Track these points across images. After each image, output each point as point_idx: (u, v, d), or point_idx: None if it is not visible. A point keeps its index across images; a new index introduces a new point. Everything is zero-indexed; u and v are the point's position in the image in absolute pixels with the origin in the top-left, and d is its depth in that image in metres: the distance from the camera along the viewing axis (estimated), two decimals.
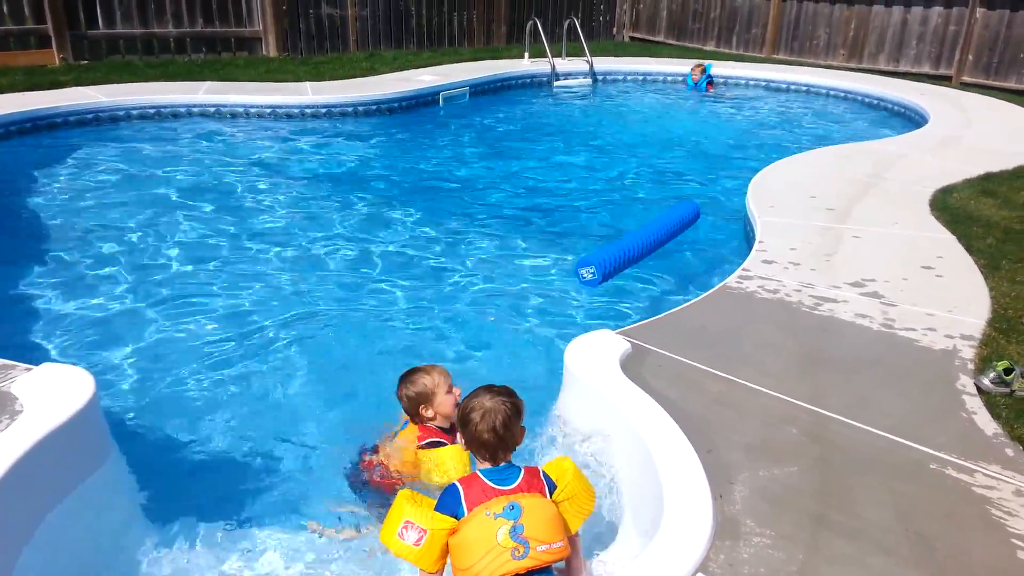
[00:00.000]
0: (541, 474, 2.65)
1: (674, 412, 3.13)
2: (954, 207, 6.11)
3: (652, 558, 2.42)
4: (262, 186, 7.19)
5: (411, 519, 2.48)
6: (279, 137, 8.85)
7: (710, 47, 15.59)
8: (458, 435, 2.77)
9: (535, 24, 12.52)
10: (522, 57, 12.78)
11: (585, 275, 5.11)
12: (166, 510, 3.05)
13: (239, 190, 7.05)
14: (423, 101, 10.51)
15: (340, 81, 10.74)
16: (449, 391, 3.23)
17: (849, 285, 4.60)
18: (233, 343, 4.46)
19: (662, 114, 11.20)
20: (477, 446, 2.64)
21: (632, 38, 16.94)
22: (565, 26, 13.23)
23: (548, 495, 2.60)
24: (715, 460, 2.93)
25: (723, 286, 4.56)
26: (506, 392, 2.72)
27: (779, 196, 6.24)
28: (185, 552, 2.86)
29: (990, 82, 12.15)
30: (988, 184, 6.80)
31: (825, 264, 4.91)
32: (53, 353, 4.28)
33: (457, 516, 2.51)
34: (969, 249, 5.22)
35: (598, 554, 2.77)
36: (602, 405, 3.27)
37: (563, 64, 12.62)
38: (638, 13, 16.84)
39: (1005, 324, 4.15)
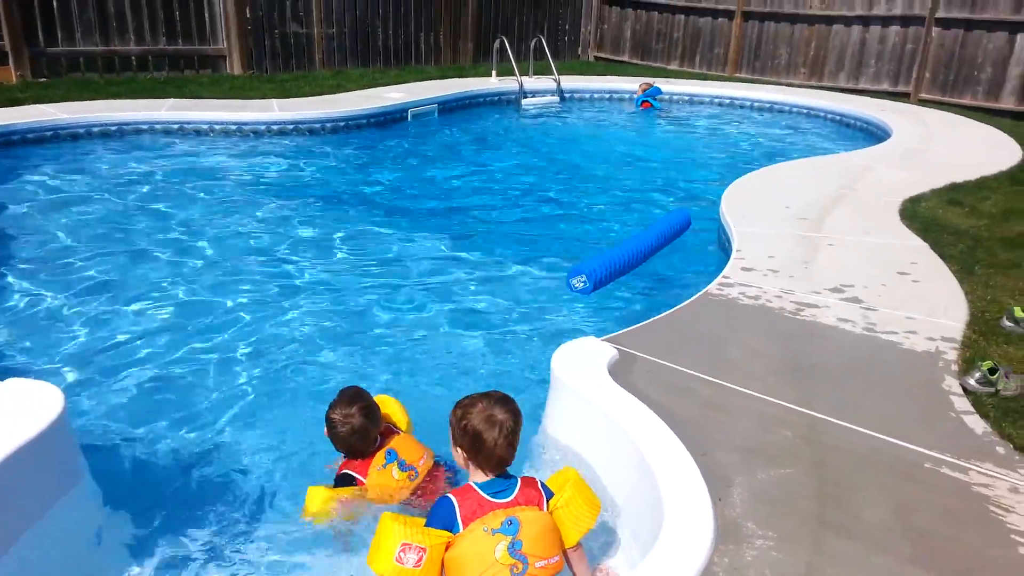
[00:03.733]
0: (539, 484, 2.56)
1: (665, 416, 3.08)
2: (924, 216, 6.20)
3: (655, 564, 2.35)
4: (226, 203, 7.03)
5: (408, 540, 2.33)
6: (245, 154, 8.69)
7: (673, 66, 15.78)
8: (457, 450, 2.56)
9: (502, 43, 12.56)
10: (489, 75, 12.80)
11: (576, 284, 5.06)
12: (141, 531, 2.92)
13: (202, 207, 6.87)
14: (392, 118, 10.43)
15: (307, 98, 10.62)
16: None
17: (829, 291, 4.61)
18: (207, 360, 4.32)
19: (629, 130, 11.28)
20: (488, 461, 2.48)
21: (597, 58, 17.10)
22: (532, 45, 13.30)
23: (545, 506, 2.51)
24: (711, 463, 2.87)
25: (705, 293, 4.54)
26: (503, 399, 2.54)
27: (752, 207, 6.27)
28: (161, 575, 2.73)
29: (946, 99, 12.47)
30: (954, 194, 6.92)
31: (803, 271, 4.93)
32: (18, 368, 4.08)
33: (452, 530, 2.40)
34: (942, 256, 5.28)
35: (598, 563, 2.69)
36: (592, 412, 3.20)
37: (530, 82, 12.66)
38: (602, 33, 17.01)
39: (984, 327, 4.19)
